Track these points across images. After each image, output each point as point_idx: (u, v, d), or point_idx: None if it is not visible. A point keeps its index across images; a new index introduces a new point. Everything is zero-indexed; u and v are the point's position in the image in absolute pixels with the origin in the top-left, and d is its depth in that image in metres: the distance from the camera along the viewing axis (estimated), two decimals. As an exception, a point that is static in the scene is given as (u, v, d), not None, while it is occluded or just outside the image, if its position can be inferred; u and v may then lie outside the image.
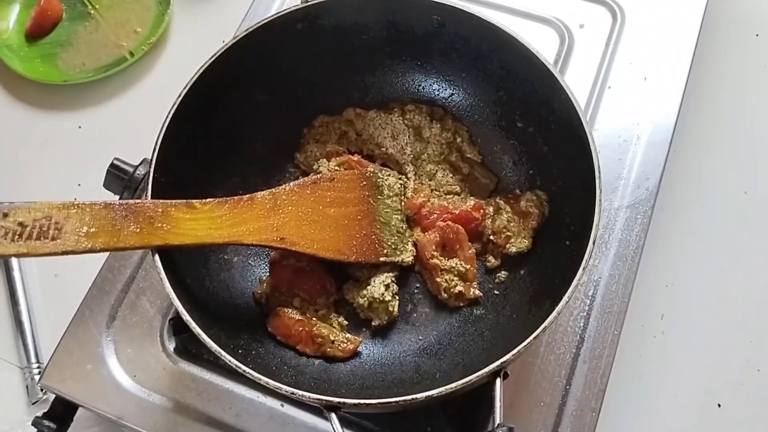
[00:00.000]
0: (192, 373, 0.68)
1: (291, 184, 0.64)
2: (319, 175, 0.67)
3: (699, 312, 0.77)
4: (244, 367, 0.52)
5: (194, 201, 0.58)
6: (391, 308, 0.65)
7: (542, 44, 0.72)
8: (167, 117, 0.61)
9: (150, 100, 0.94)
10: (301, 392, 0.52)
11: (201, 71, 0.63)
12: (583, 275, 0.55)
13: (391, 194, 0.68)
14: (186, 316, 0.54)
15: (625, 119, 0.79)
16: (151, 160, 0.59)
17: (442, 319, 0.67)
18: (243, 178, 0.70)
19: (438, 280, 0.66)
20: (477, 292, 0.67)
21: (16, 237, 0.51)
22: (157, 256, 0.56)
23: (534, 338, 0.52)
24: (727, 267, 0.79)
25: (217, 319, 0.59)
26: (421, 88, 0.75)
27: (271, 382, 0.52)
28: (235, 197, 0.60)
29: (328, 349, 0.63)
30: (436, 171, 0.73)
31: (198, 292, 0.61)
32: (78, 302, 0.72)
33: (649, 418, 0.72)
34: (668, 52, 0.83)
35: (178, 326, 0.68)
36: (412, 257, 0.68)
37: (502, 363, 0.52)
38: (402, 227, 0.68)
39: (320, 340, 0.63)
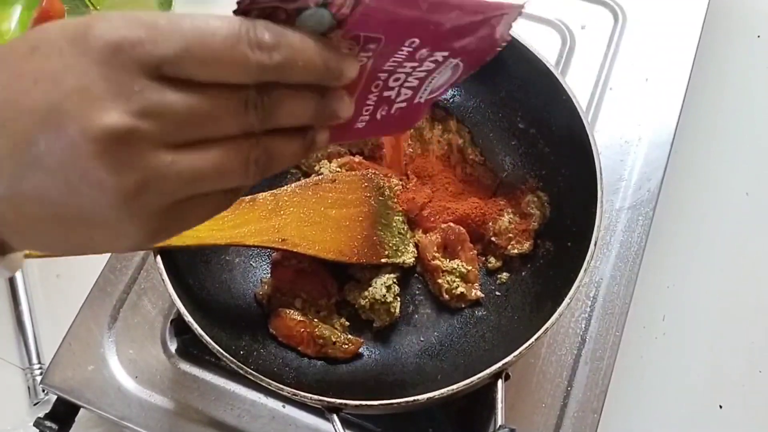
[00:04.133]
0: (193, 374, 0.69)
1: (292, 185, 0.64)
2: (320, 177, 0.67)
3: (700, 313, 0.77)
4: (246, 368, 0.52)
5: (196, 202, 0.58)
6: (392, 309, 0.65)
7: (544, 45, 0.72)
8: (169, 118, 0.61)
9: (152, 101, 0.94)
10: (302, 393, 0.52)
11: (203, 72, 0.63)
12: (585, 276, 0.55)
13: (392, 195, 0.68)
14: (188, 317, 0.54)
15: (626, 120, 0.79)
16: (153, 161, 0.59)
17: (444, 320, 0.67)
18: (244, 179, 0.70)
19: (439, 281, 0.66)
20: (478, 293, 0.67)
21: (18, 238, 0.51)
22: (158, 257, 0.56)
23: (535, 340, 0.52)
24: (728, 268, 0.79)
25: (218, 320, 0.59)
26: (422, 89, 0.75)
27: (272, 383, 0.52)
28: (237, 198, 0.60)
29: (330, 351, 0.63)
30: (438, 172, 0.73)
31: (199, 293, 0.61)
32: (80, 303, 0.72)
33: (651, 419, 0.72)
34: (670, 53, 0.83)
35: (179, 327, 0.69)
36: (414, 258, 0.68)
37: (503, 364, 0.52)
38: (403, 228, 0.68)
39: (322, 341, 0.63)
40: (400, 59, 0.35)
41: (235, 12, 0.30)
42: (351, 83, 0.34)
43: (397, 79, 0.37)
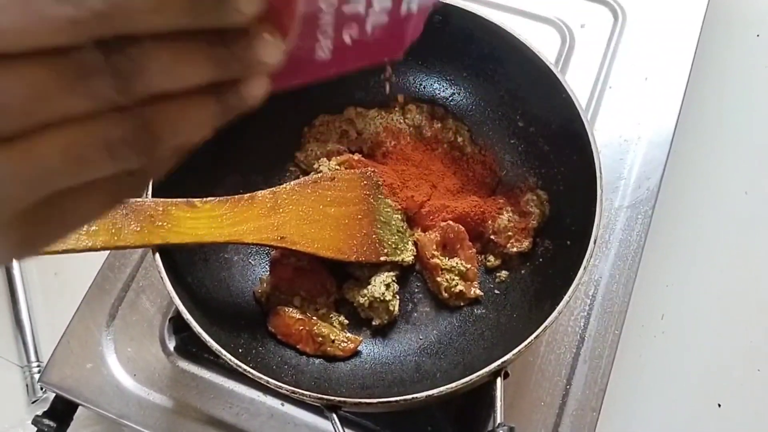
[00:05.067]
0: (192, 372, 0.68)
1: (291, 183, 0.64)
2: (319, 175, 0.67)
3: (699, 312, 0.77)
4: (244, 366, 0.52)
5: (195, 200, 0.58)
6: (391, 308, 0.65)
7: (543, 44, 0.72)
8: (168, 116, 0.61)
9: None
10: (301, 391, 0.52)
11: (202, 70, 0.63)
12: (584, 275, 0.55)
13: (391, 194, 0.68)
14: (186, 315, 0.54)
15: (626, 119, 0.79)
16: (152, 158, 0.59)
17: (443, 318, 0.67)
18: (243, 177, 0.70)
19: (438, 279, 0.66)
20: (478, 291, 0.67)
21: (17, 235, 0.51)
22: (157, 255, 0.56)
23: (534, 338, 0.52)
24: (727, 267, 0.79)
25: (217, 318, 0.59)
26: (422, 87, 0.75)
27: (271, 381, 0.52)
28: (236, 196, 0.60)
29: (329, 349, 0.63)
30: (437, 170, 0.73)
31: (198, 291, 0.61)
32: (78, 301, 0.72)
33: (650, 418, 0.72)
34: (669, 52, 0.83)
35: (178, 325, 0.68)
36: (413, 257, 0.68)
37: (502, 362, 0.52)
38: (402, 227, 0.68)
39: (320, 339, 0.63)
40: None
41: None
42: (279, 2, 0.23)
43: None
